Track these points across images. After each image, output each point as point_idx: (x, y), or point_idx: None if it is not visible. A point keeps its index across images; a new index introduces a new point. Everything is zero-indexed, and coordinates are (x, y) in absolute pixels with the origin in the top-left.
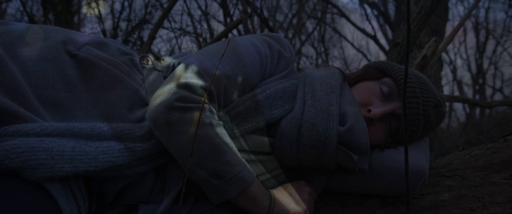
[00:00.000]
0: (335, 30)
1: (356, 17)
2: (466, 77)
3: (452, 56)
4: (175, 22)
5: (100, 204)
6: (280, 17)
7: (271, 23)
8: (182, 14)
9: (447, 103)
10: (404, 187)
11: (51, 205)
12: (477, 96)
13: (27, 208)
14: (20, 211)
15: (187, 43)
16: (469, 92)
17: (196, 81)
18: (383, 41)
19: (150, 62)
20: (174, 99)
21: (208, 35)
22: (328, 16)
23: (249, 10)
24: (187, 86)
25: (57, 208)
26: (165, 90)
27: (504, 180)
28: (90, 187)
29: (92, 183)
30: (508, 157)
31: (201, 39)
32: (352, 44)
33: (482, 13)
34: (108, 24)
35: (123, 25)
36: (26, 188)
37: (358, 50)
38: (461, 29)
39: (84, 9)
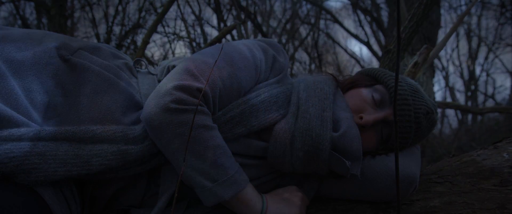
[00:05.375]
0: (328, 36)
1: (349, 23)
2: (458, 84)
3: (445, 63)
4: (168, 27)
5: (92, 209)
6: (273, 23)
7: (264, 29)
8: (175, 19)
9: (439, 110)
10: (395, 193)
11: (43, 210)
12: (469, 103)
13: (19, 213)
14: None
15: (181, 48)
16: (461, 98)
17: (192, 83)
18: (376, 47)
19: (144, 67)
20: (169, 101)
21: (201, 40)
22: (322, 22)
23: (242, 16)
24: (182, 88)
25: (49, 213)
26: (161, 92)
27: (493, 186)
28: (83, 192)
29: (84, 187)
30: (498, 164)
31: (194, 44)
32: (345, 50)
33: (474, 20)
34: (102, 28)
35: (116, 29)
36: (18, 192)
37: (351, 56)
38: (453, 35)
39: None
